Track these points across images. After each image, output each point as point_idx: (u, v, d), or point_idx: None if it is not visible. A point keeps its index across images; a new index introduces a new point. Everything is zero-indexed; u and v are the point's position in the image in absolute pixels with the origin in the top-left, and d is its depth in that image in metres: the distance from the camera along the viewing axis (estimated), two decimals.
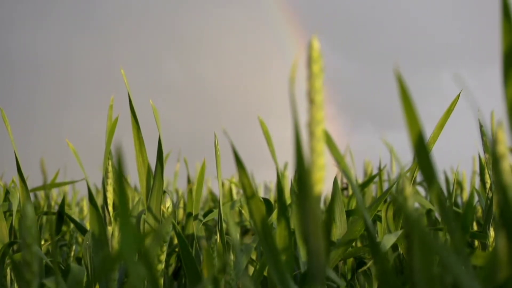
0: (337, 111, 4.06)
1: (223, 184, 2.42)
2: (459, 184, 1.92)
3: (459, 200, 1.94)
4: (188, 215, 1.20)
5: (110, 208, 1.13)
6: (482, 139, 1.13)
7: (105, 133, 1.11)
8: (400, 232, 0.89)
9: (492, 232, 0.90)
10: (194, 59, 4.61)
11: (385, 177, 2.26)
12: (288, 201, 1.09)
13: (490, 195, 1.07)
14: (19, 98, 4.30)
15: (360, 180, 2.18)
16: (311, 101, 0.47)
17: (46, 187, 1.45)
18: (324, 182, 0.48)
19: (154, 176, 0.98)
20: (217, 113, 4.42)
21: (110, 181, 1.14)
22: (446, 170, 2.26)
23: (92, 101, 4.33)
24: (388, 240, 0.85)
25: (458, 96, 1.01)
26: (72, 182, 1.45)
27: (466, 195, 1.84)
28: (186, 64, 4.64)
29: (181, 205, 2.00)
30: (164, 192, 1.14)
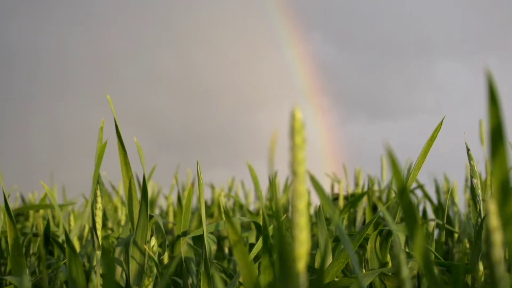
0: (330, 101, 4.01)
1: (213, 188, 2.39)
2: (450, 193, 1.90)
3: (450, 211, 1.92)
4: (177, 237, 1.17)
5: (99, 232, 1.11)
6: (470, 163, 1.10)
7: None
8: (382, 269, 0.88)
9: (481, 266, 0.88)
10: (189, 49, 4.56)
11: (379, 179, 2.24)
12: None
13: (480, 220, 1.06)
14: (16, 89, 4.25)
15: (352, 187, 2.16)
16: (293, 173, 0.44)
17: (30, 207, 1.42)
18: (306, 257, 0.45)
19: (139, 214, 0.95)
20: (211, 104, 4.38)
21: (99, 205, 1.11)
22: (444, 172, 2.23)
23: (86, 92, 4.29)
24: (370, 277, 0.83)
25: (441, 123, 0.99)
26: (56, 206, 1.42)
27: (456, 208, 1.82)
28: (180, 55, 4.58)
29: (170, 219, 1.98)
30: (152, 216, 1.11)
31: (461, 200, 2.09)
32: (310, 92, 3.77)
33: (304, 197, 0.45)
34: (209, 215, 2.07)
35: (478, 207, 1.09)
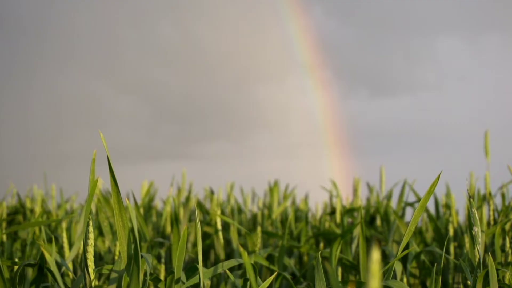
0: (331, 75, 3.83)
1: (212, 195, 2.25)
2: (448, 207, 1.77)
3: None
4: (169, 276, 1.04)
5: (91, 269, 0.97)
6: (471, 210, 1.04)
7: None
8: None
9: None
10: (191, 22, 4.35)
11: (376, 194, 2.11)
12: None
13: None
14: (18, 62, 4.08)
15: (350, 196, 2.03)
16: None
17: (24, 226, 1.27)
18: None
19: (131, 272, 0.82)
20: (213, 76, 4.21)
21: (90, 241, 0.97)
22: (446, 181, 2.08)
23: (89, 63, 4.12)
24: None
25: (438, 177, 0.92)
26: (51, 221, 1.28)
27: (456, 220, 1.69)
28: (183, 27, 4.38)
29: (168, 226, 1.84)
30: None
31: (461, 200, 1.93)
32: (311, 65, 3.61)
33: None
34: (206, 223, 1.94)
35: (478, 256, 1.04)
